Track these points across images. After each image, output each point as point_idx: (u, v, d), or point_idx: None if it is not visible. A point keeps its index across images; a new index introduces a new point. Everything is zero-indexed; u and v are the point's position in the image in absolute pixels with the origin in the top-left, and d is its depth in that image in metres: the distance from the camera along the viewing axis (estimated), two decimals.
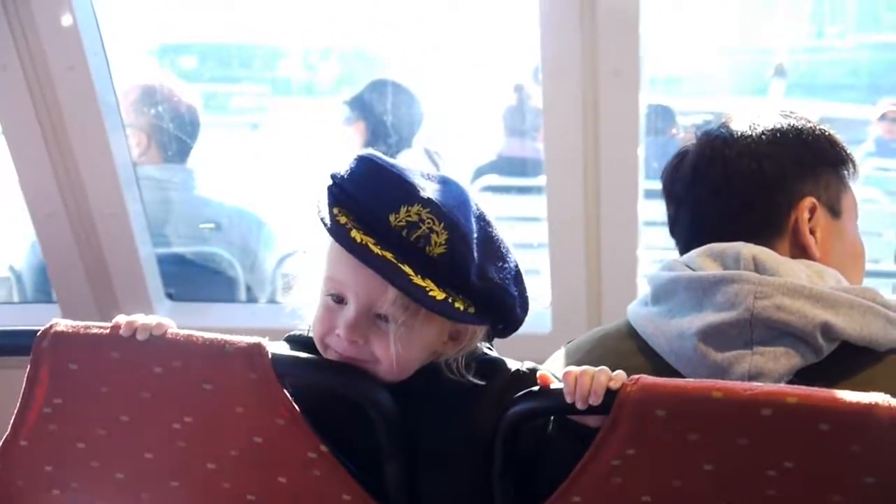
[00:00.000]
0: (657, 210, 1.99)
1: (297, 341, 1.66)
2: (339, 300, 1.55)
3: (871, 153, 5.57)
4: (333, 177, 1.54)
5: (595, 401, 1.40)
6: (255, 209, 3.93)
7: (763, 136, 1.72)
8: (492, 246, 1.55)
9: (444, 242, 1.47)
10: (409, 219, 1.47)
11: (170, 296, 3.47)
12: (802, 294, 1.53)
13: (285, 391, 1.53)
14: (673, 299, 1.63)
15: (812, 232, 1.69)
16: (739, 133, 1.73)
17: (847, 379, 1.51)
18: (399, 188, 1.49)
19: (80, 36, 2.92)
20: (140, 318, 1.57)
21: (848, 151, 1.77)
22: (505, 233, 1.60)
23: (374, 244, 1.47)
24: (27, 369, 1.61)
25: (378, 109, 4.35)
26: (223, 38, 5.83)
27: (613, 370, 1.42)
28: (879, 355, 1.55)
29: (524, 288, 1.59)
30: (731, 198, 1.70)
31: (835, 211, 1.73)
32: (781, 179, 1.70)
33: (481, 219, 1.56)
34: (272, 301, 3.78)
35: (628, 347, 1.67)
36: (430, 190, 1.50)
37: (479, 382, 1.59)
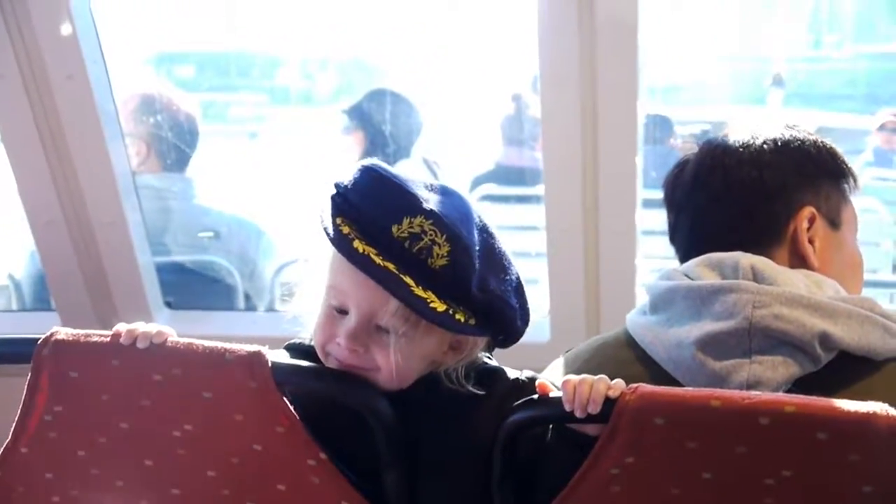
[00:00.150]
0: (656, 219, 1.99)
1: (298, 350, 1.66)
2: (341, 310, 1.56)
3: (869, 163, 5.58)
4: (337, 186, 1.54)
5: (594, 409, 1.40)
6: (254, 218, 3.93)
7: (765, 146, 1.73)
8: (494, 258, 1.55)
9: (445, 254, 1.47)
10: (411, 230, 1.47)
11: (168, 304, 3.47)
12: (801, 303, 1.53)
13: (285, 399, 1.54)
14: (671, 308, 1.63)
15: (811, 242, 1.70)
16: (741, 142, 1.74)
17: (845, 388, 1.51)
18: (402, 199, 1.49)
19: (79, 45, 2.92)
20: (140, 327, 1.58)
21: (849, 165, 1.77)
22: (504, 242, 1.60)
23: (377, 255, 1.47)
24: (28, 377, 1.62)
25: (377, 119, 4.36)
26: (221, 47, 5.84)
27: (612, 379, 1.42)
28: (877, 365, 1.55)
29: (525, 300, 1.59)
30: (730, 206, 1.71)
31: (834, 223, 1.74)
32: (782, 189, 1.70)
33: (484, 230, 1.56)
34: (271, 309, 3.77)
35: (627, 356, 1.67)
36: (433, 201, 1.50)
37: (479, 392, 1.59)
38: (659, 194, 1.87)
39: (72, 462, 1.65)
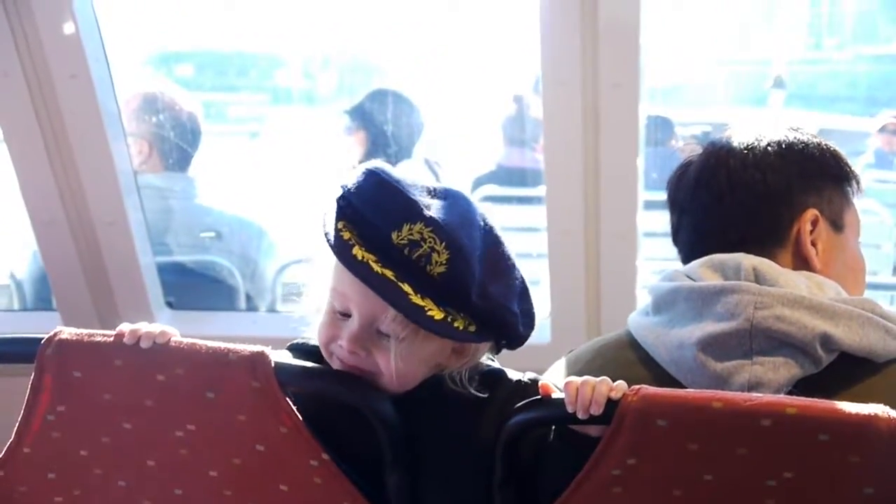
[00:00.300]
0: (657, 221, 1.99)
1: (301, 350, 1.67)
2: (344, 313, 1.56)
3: (870, 165, 5.57)
4: (342, 188, 1.55)
5: (596, 410, 1.41)
6: (256, 218, 3.93)
7: (768, 148, 1.73)
8: (497, 263, 1.55)
9: (444, 262, 1.47)
10: (410, 237, 1.47)
11: (170, 304, 3.47)
12: (802, 305, 1.53)
13: (288, 400, 1.54)
14: (673, 309, 1.63)
15: (813, 244, 1.70)
16: (745, 144, 1.74)
17: (846, 390, 1.51)
18: (402, 205, 1.49)
19: (82, 44, 2.92)
20: (144, 326, 1.58)
21: (852, 168, 1.78)
22: (510, 246, 1.59)
23: (376, 262, 1.47)
24: (31, 376, 1.62)
25: (378, 119, 4.36)
26: (222, 46, 5.83)
27: (614, 380, 1.43)
28: (878, 366, 1.56)
29: (530, 305, 1.59)
30: (734, 207, 1.71)
31: (837, 225, 1.74)
32: (785, 191, 1.70)
33: (489, 234, 1.55)
34: (272, 310, 3.78)
35: (629, 357, 1.68)
36: (434, 207, 1.50)
37: (482, 395, 1.60)
38: (660, 196, 1.87)
39: (74, 462, 1.66)
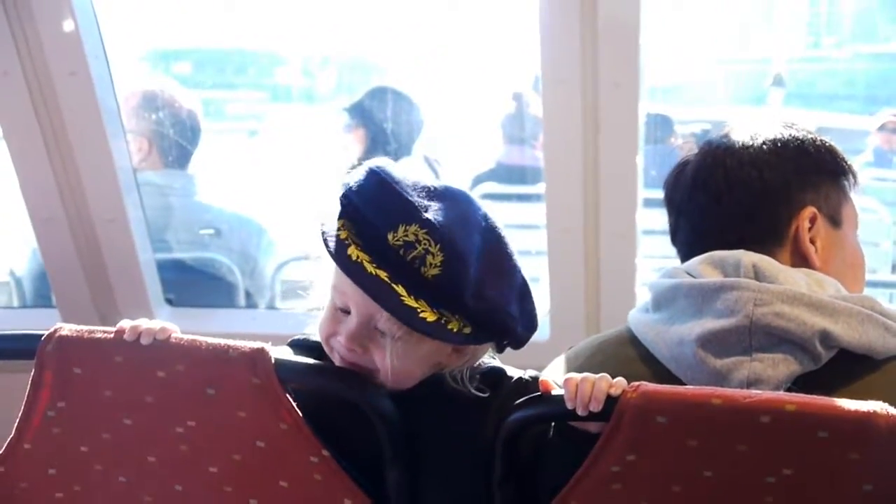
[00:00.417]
0: (656, 219, 1.99)
1: (302, 346, 1.67)
2: (344, 310, 1.56)
3: (869, 163, 5.57)
4: (345, 187, 1.55)
5: (596, 407, 1.41)
6: (255, 215, 3.93)
7: (764, 146, 1.73)
8: (496, 264, 1.54)
9: (438, 264, 1.47)
10: (406, 238, 1.47)
11: (169, 301, 3.47)
12: (801, 301, 1.54)
13: (288, 396, 1.54)
14: (673, 306, 1.63)
15: (812, 241, 1.70)
16: (741, 142, 1.74)
17: (845, 387, 1.51)
18: (399, 206, 1.49)
19: (81, 41, 2.92)
20: (144, 323, 1.58)
21: (848, 162, 1.78)
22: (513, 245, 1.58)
23: (370, 262, 1.47)
24: (31, 373, 1.62)
25: (378, 117, 4.36)
26: (221, 44, 5.83)
27: (614, 377, 1.43)
28: (877, 363, 1.56)
29: (531, 306, 1.59)
30: (731, 206, 1.71)
31: (835, 221, 1.74)
32: (782, 188, 1.71)
33: (490, 233, 1.55)
34: (271, 307, 3.78)
35: (629, 354, 1.68)
36: (431, 209, 1.50)
37: (482, 395, 1.60)
38: (660, 193, 1.87)
39: (75, 458, 1.66)
